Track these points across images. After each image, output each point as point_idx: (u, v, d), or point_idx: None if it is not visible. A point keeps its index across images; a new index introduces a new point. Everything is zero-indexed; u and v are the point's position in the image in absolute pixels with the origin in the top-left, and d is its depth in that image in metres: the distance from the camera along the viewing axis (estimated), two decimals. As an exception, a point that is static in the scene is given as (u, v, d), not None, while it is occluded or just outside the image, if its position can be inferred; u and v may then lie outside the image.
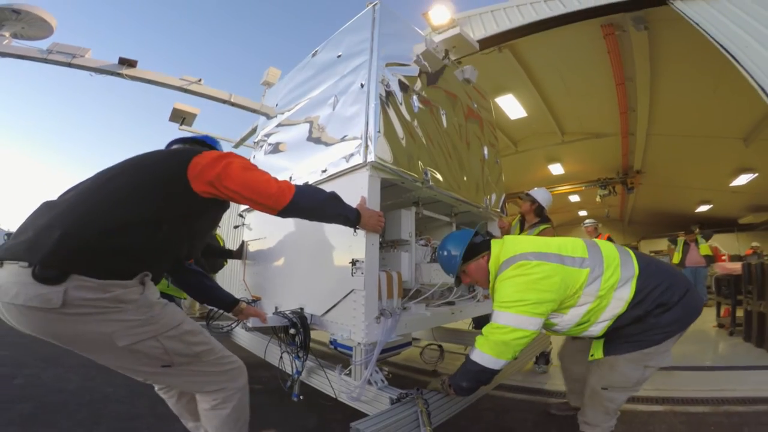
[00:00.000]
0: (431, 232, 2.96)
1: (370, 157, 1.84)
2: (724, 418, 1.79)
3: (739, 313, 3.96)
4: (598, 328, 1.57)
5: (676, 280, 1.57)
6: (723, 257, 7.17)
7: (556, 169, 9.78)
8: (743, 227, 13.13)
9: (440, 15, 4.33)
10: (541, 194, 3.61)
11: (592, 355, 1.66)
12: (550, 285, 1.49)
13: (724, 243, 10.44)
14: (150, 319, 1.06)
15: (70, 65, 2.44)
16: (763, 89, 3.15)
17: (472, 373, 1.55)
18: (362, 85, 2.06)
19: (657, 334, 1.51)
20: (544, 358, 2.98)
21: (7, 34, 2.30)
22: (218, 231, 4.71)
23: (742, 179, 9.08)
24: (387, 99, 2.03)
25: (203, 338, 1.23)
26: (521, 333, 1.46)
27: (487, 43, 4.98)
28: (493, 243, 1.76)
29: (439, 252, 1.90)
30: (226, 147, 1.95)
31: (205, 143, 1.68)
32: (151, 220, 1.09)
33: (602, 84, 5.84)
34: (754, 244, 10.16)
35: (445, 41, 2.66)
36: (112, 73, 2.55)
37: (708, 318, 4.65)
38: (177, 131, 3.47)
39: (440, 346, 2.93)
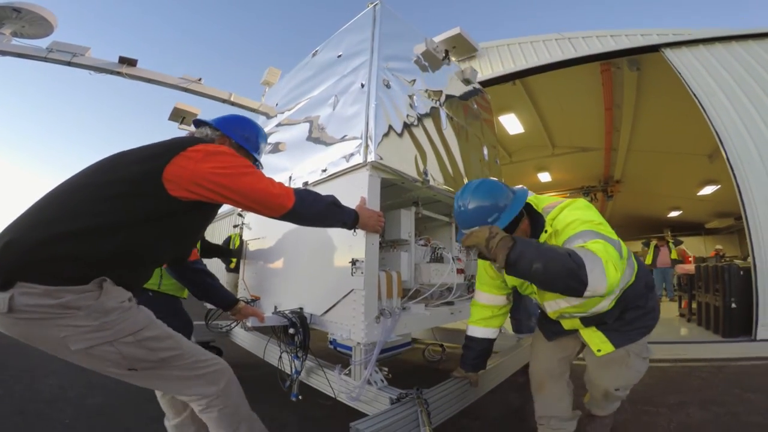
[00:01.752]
0: (431, 232, 2.96)
1: (371, 157, 1.84)
2: (680, 369, 2.95)
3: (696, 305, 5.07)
4: (608, 301, 1.41)
5: (647, 271, 1.66)
6: (689, 259, 8.00)
7: (545, 177, 10.73)
8: (709, 231, 14.58)
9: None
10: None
11: (599, 350, 1.50)
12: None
13: (691, 245, 11.58)
14: (103, 325, 1.01)
15: (69, 64, 2.44)
16: (717, 132, 4.12)
17: (564, 262, 1.07)
18: (362, 85, 2.07)
19: (651, 319, 1.53)
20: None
21: (7, 33, 2.29)
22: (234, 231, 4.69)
23: (708, 190, 10.38)
24: (387, 99, 2.04)
25: (170, 343, 1.16)
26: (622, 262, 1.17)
27: (504, 78, 5.77)
28: (530, 201, 1.48)
29: (470, 205, 1.36)
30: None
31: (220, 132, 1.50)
32: (103, 226, 1.03)
33: (593, 108, 6.84)
34: (718, 246, 11.09)
35: (445, 41, 2.67)
36: (112, 72, 2.55)
37: (673, 309, 6.23)
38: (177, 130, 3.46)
39: (442, 345, 2.93)
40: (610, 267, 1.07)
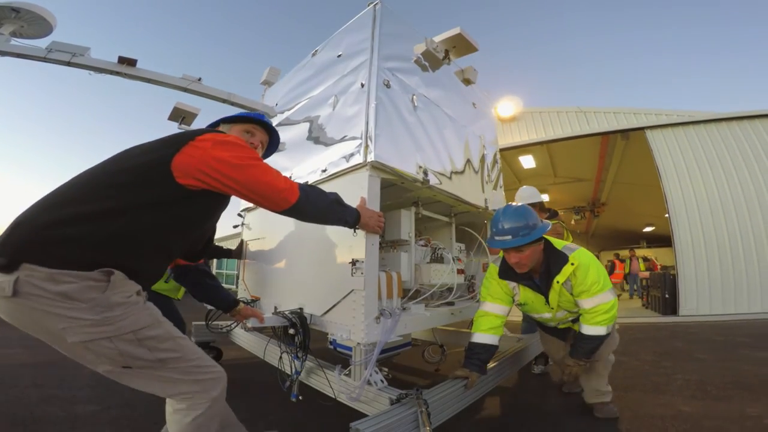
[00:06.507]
0: (431, 233, 2.96)
1: (370, 157, 1.84)
2: (637, 326, 5.78)
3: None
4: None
5: None
6: (657, 267, 11.72)
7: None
8: (678, 243, 17.36)
9: (507, 109, 8.29)
10: (527, 193, 3.36)
11: None
12: None
13: (662, 255, 15.09)
14: (105, 320, 1.00)
15: (69, 64, 2.42)
16: (665, 194, 7.03)
17: (598, 342, 1.92)
18: (362, 85, 2.06)
19: None
20: (543, 358, 2.98)
21: (6, 33, 2.29)
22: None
23: (674, 213, 13.39)
24: (387, 99, 2.03)
25: (172, 345, 1.13)
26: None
27: (537, 144, 8.66)
28: (548, 238, 2.01)
29: (510, 217, 1.89)
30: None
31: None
32: (109, 209, 1.04)
33: (591, 156, 9.71)
34: None
35: (445, 41, 2.65)
36: (112, 72, 2.54)
37: (639, 302, 9.90)
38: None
39: (442, 346, 2.93)
40: (614, 314, 1.88)
